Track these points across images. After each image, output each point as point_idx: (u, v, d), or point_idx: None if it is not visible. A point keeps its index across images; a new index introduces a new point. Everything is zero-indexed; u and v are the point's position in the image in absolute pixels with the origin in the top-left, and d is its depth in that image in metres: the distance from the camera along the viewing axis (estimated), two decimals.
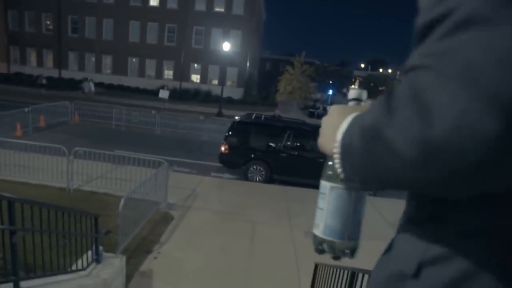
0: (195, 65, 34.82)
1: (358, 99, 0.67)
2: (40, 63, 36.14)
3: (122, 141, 12.68)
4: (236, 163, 9.44)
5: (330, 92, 46.36)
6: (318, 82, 41.08)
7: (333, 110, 0.62)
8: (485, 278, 0.44)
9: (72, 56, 35.64)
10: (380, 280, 0.57)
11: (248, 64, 35.51)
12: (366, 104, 0.65)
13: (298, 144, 9.38)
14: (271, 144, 9.30)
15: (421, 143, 0.37)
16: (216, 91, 31.03)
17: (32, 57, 36.39)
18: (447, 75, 0.37)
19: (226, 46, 24.33)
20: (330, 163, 0.62)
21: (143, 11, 33.61)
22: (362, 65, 75.54)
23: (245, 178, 9.39)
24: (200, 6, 33.30)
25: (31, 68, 35.62)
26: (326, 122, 0.61)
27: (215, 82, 34.61)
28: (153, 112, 15.12)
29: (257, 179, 9.35)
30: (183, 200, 7.23)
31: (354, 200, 0.62)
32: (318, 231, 0.65)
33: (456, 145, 0.35)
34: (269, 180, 9.36)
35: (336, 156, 0.53)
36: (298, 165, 9.24)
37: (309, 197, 8.38)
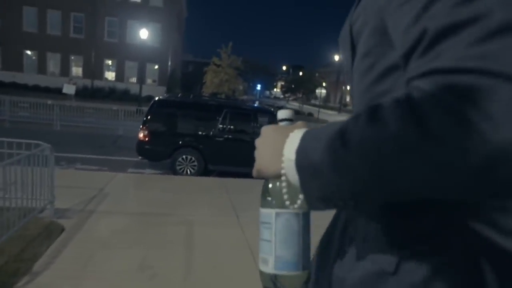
0: (109, 61, 31.02)
1: (289, 119, 0.63)
2: None
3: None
4: (159, 153, 7.42)
5: (259, 87, 45.99)
6: (246, 80, 40.21)
7: (266, 131, 0.62)
8: (459, 272, 0.47)
9: None
10: (354, 282, 0.57)
11: (170, 61, 32.87)
12: (300, 123, 0.61)
13: (236, 126, 7.76)
14: (203, 128, 7.51)
15: (489, 149, 0.36)
16: (135, 89, 27.91)
17: None
18: (506, 75, 0.36)
19: (144, 34, 21.67)
20: (271, 186, 0.60)
21: None
22: (284, 68, 77.56)
23: (173, 171, 7.43)
24: None
25: None
26: (262, 144, 0.62)
27: (134, 80, 31.29)
28: (49, 102, 12.03)
29: (189, 171, 7.47)
30: (82, 204, 5.03)
31: (303, 223, 0.57)
32: (268, 267, 0.58)
33: None
34: (203, 172, 7.55)
35: (285, 177, 0.54)
36: (238, 152, 7.61)
37: (255, 187, 6.82)
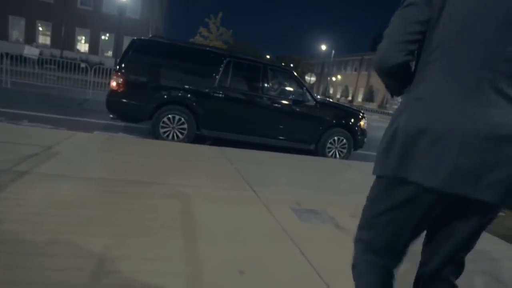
0: (82, 30, 28.09)
1: None
2: None
3: None
4: (138, 111, 5.55)
5: None
6: None
7: None
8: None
9: None
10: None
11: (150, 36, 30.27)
12: None
13: (241, 82, 6.01)
14: (197, 80, 5.70)
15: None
16: (110, 64, 25.32)
17: None
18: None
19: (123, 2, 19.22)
20: None
21: None
22: (268, 57, 76.42)
23: (155, 136, 5.60)
24: None
25: None
26: None
27: (109, 53, 28.55)
28: None
29: (175, 136, 5.66)
30: (10, 163, 3.16)
31: None
32: None
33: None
34: (193, 138, 5.77)
35: None
36: (242, 115, 5.89)
37: (264, 160, 5.15)
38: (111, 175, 3.32)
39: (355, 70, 48.99)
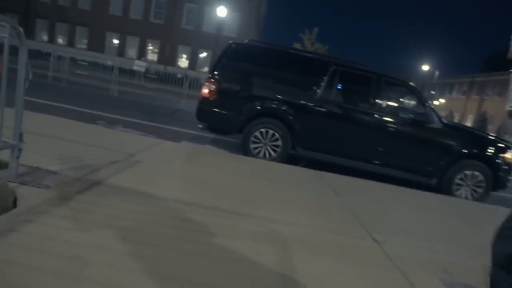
0: (184, 48, 30.38)
1: None
2: None
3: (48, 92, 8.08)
4: (228, 123, 4.98)
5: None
6: None
7: None
8: None
9: (40, 25, 30.68)
10: None
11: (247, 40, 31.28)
12: None
13: (349, 95, 5.04)
14: (296, 91, 4.92)
15: None
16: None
17: None
18: None
19: (222, 12, 19.92)
20: None
21: None
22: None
23: (245, 152, 4.95)
24: None
25: None
26: None
27: (206, 69, 30.22)
28: (109, 63, 10.54)
29: (267, 154, 4.92)
30: (87, 169, 2.73)
31: None
32: None
33: None
34: (287, 157, 4.95)
35: None
36: (348, 135, 4.88)
37: (376, 192, 4.03)
38: (187, 196, 2.65)
39: (463, 94, 43.37)
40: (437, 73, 38.64)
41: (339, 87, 4.90)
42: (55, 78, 10.66)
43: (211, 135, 6.17)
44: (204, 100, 4.95)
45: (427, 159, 4.88)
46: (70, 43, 30.30)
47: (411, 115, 4.97)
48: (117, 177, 2.70)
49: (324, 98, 4.86)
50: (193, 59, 30.38)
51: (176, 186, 2.86)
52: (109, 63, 10.68)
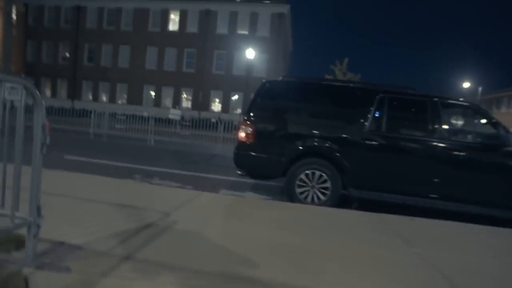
0: (216, 92, 31.26)
1: None
2: (54, 93, 33.93)
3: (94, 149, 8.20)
4: (269, 166, 4.55)
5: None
6: None
7: None
8: None
9: (86, 86, 33.21)
10: None
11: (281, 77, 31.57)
12: None
13: (402, 124, 4.47)
14: (341, 126, 4.43)
15: None
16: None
17: (46, 87, 34.31)
18: None
19: (250, 54, 20.34)
20: None
21: (162, 36, 31.20)
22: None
23: (290, 197, 4.44)
24: (221, 29, 30.53)
25: (44, 99, 33.23)
26: None
27: (238, 111, 30.67)
28: (145, 114, 10.73)
29: (316, 198, 4.37)
30: (115, 239, 2.37)
31: None
32: None
33: None
34: (338, 199, 4.36)
35: None
36: (406, 169, 4.23)
37: (454, 236, 3.32)
38: (230, 265, 2.18)
39: None
40: (480, 88, 36.46)
41: (389, 116, 4.35)
42: (96, 134, 11.02)
43: (251, 180, 5.75)
44: (241, 144, 4.59)
45: (509, 188, 4.08)
46: (112, 99, 32.32)
47: (480, 139, 4.27)
48: (149, 247, 2.31)
49: (373, 130, 4.32)
50: (225, 103, 31.05)
51: (219, 254, 2.40)
52: (145, 114, 10.90)
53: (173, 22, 31.52)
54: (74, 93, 33.19)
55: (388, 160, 4.25)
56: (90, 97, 33.03)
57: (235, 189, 5.28)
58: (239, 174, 4.81)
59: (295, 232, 2.99)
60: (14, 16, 33.16)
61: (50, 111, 16.81)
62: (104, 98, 32.84)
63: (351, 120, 4.39)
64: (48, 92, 34.09)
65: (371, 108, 4.36)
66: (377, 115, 4.31)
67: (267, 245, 2.59)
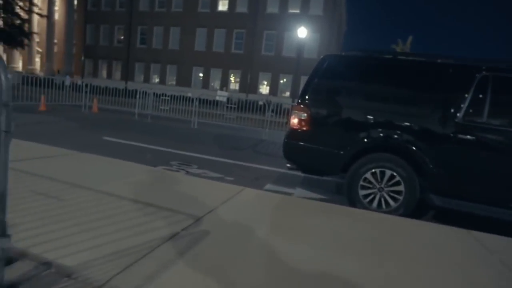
0: (264, 74, 30.40)
1: None
2: (109, 75, 35.44)
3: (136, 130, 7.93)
4: (326, 161, 3.73)
5: None
6: None
7: None
8: None
9: (138, 68, 34.15)
10: None
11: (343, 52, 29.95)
12: None
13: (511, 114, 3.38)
14: (423, 113, 3.44)
15: None
16: (288, 105, 26.05)
17: (103, 69, 35.93)
18: None
19: (302, 33, 19.12)
20: None
21: (211, 17, 30.80)
22: None
23: (351, 201, 3.60)
24: (272, 8, 29.30)
25: (101, 80, 34.85)
26: None
27: (287, 94, 29.65)
28: (189, 94, 10.30)
29: (384, 204, 3.48)
30: (141, 254, 1.75)
31: None
32: None
33: None
34: (414, 207, 3.43)
35: None
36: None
37: None
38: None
39: None
40: None
41: (492, 103, 3.27)
42: (141, 115, 10.87)
43: (302, 174, 4.97)
44: (292, 132, 3.81)
45: None
46: (162, 80, 32.92)
47: None
48: (170, 273, 1.66)
49: (468, 121, 3.29)
50: (274, 85, 30.14)
51: (267, 270, 1.69)
52: (189, 94, 10.48)
53: (223, 3, 30.90)
54: (128, 75, 34.32)
55: (489, 161, 3.21)
56: (142, 78, 33.95)
57: (282, 184, 4.55)
58: (289, 168, 4.05)
59: (367, 257, 2.18)
60: (75, 2, 34.89)
61: (105, 91, 17.31)
62: (155, 79, 33.57)
63: (438, 107, 3.39)
64: (104, 74, 35.69)
65: (468, 91, 3.31)
66: (476, 100, 3.26)
67: (331, 277, 1.82)
